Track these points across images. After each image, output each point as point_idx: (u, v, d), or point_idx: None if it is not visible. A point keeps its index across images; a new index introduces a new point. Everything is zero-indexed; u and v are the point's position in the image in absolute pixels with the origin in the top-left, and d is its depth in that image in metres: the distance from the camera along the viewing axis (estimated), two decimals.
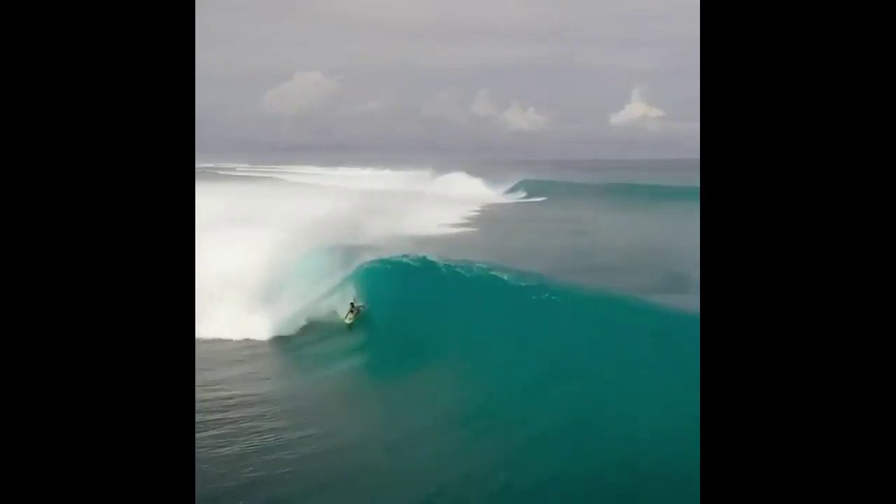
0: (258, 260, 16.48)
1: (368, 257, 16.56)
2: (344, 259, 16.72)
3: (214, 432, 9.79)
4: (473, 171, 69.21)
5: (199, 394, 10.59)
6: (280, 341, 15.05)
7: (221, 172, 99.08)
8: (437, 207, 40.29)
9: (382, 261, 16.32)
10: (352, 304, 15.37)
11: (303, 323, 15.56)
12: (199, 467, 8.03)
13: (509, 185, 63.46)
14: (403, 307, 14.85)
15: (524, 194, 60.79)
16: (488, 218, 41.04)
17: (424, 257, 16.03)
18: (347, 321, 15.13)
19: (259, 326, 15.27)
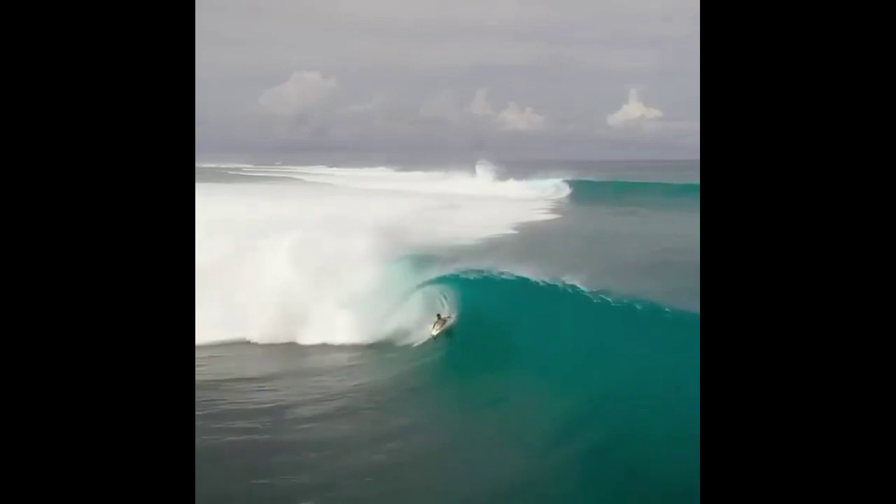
0: (347, 267, 16.63)
1: (454, 267, 16.59)
2: (431, 267, 16.84)
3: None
4: (482, 171, 69.76)
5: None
6: (370, 350, 15.19)
7: (230, 172, 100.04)
8: (494, 208, 41.20)
9: (466, 273, 16.32)
10: (438, 315, 15.35)
11: (390, 333, 15.65)
12: None
13: (540, 184, 63.35)
14: (489, 319, 14.77)
15: (555, 192, 60.51)
16: (557, 217, 41.22)
17: (515, 274, 15.82)
18: (433, 332, 15.11)
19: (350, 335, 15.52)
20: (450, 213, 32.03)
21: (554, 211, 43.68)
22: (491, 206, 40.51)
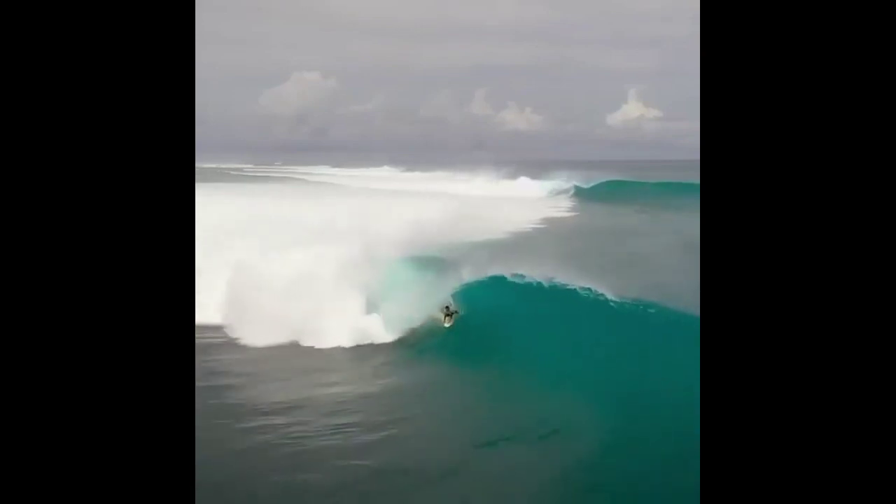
0: (365, 268, 16.78)
1: (480, 266, 16.73)
2: (462, 264, 17.03)
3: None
4: (490, 170, 70.30)
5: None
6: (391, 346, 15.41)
7: (233, 173, 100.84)
8: (512, 206, 42.48)
9: (483, 278, 16.42)
10: (447, 307, 15.81)
11: (405, 329, 15.85)
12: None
13: (549, 184, 63.63)
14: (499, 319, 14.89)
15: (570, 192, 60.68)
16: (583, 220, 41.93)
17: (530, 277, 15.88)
18: (447, 325, 15.62)
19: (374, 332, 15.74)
20: (473, 211, 32.82)
21: (571, 210, 44.49)
22: (509, 205, 41.22)
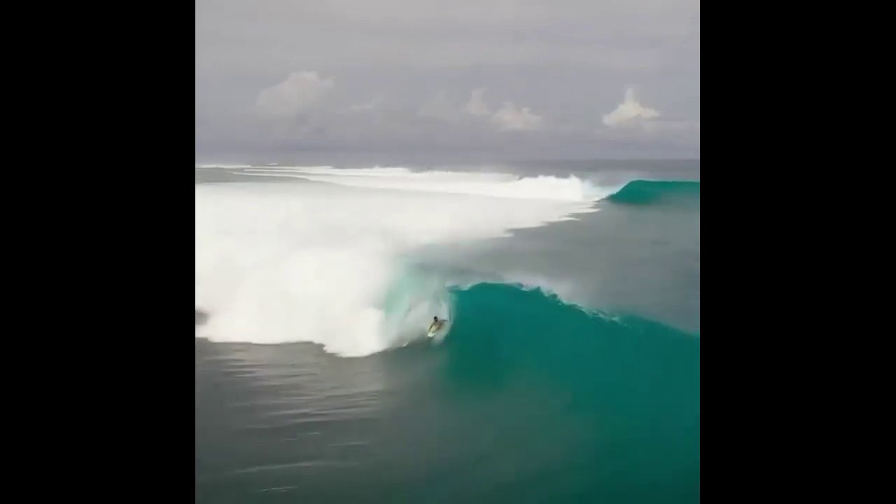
0: (357, 274, 16.83)
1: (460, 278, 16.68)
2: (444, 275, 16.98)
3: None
4: (498, 171, 70.73)
5: None
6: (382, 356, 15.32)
7: (235, 173, 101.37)
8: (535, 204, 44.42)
9: (477, 285, 16.31)
10: (435, 317, 15.62)
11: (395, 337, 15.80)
12: None
13: (558, 183, 63.98)
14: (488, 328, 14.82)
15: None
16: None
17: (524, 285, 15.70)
18: (430, 334, 15.42)
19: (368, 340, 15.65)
20: (472, 212, 33.75)
21: (571, 211, 45.34)
22: (508, 206, 41.95)
